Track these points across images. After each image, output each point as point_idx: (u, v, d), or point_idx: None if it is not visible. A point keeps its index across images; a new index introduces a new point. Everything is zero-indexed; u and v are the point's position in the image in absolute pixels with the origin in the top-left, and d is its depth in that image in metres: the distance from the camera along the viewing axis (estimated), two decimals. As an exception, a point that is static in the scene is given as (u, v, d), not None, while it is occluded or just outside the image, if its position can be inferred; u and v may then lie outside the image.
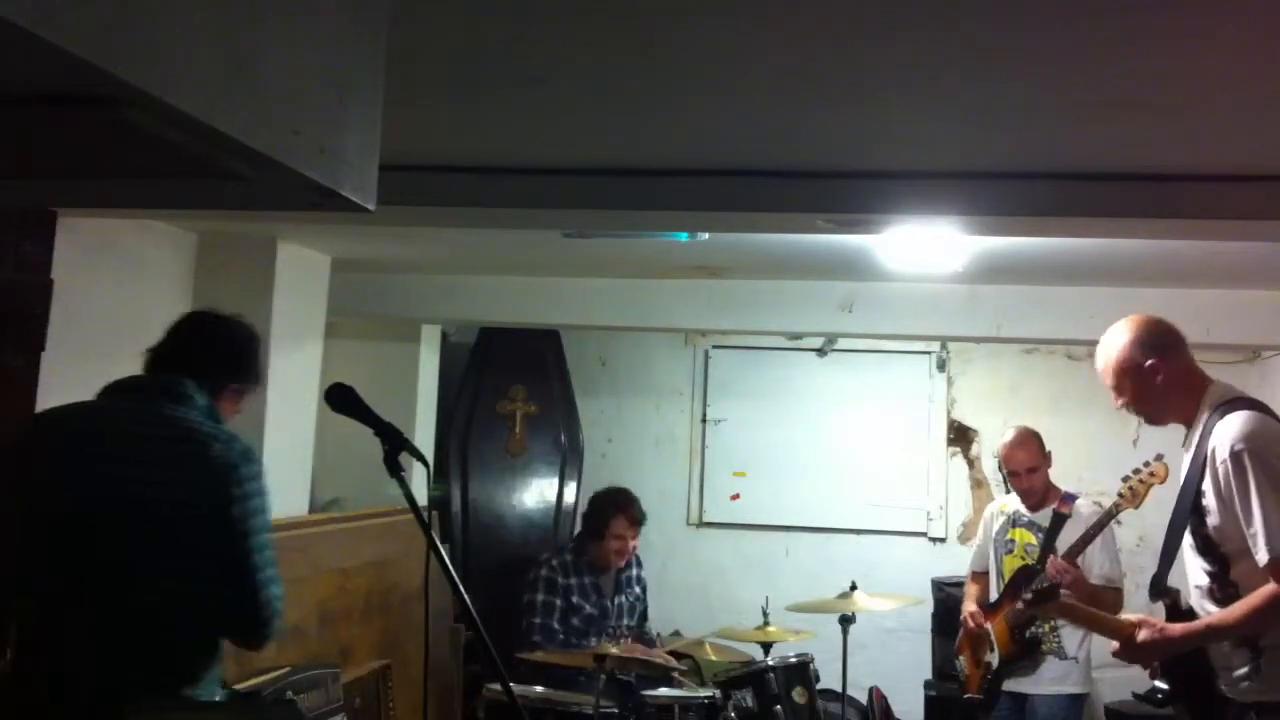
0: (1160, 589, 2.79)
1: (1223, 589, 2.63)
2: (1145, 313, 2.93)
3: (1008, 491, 5.42)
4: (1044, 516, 4.21)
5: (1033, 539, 4.22)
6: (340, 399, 2.20)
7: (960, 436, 6.30)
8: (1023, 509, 4.30)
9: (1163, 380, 2.78)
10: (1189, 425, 2.79)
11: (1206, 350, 5.57)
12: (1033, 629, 4.13)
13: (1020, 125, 2.42)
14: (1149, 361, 2.79)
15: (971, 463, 6.28)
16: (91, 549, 2.20)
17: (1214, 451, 2.62)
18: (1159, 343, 2.83)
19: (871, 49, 1.99)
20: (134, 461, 2.23)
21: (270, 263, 4.23)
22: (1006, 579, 4.24)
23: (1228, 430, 2.63)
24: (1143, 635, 2.69)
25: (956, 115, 2.36)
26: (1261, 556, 2.50)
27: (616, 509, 4.84)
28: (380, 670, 4.47)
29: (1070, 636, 4.13)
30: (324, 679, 3.72)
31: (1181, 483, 2.75)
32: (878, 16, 1.84)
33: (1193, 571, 2.75)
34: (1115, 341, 2.84)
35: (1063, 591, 3.63)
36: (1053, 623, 4.12)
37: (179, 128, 1.24)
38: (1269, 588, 2.50)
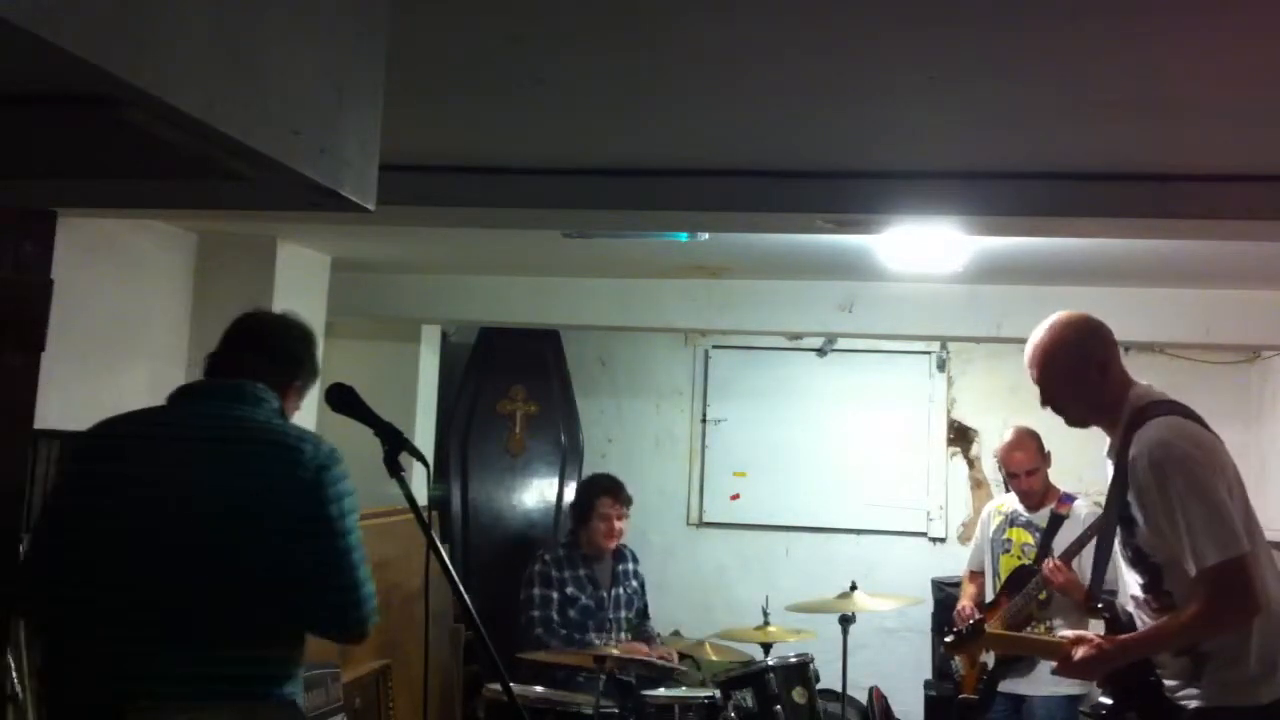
0: (1095, 602, 2.75)
1: (1158, 598, 2.58)
2: (1073, 310, 2.79)
3: (1007, 491, 5.43)
4: (1042, 517, 4.21)
5: (1029, 539, 4.22)
6: (340, 399, 2.20)
7: (960, 436, 6.30)
8: (1020, 508, 4.30)
9: (1104, 381, 2.67)
10: (1111, 429, 2.69)
11: (1206, 350, 5.61)
12: (1029, 629, 4.13)
13: (1020, 125, 2.42)
14: (1097, 358, 2.68)
15: (971, 463, 6.28)
16: (178, 556, 2.18)
17: (1134, 461, 2.52)
18: (1105, 340, 2.72)
19: (872, 49, 1.99)
20: (221, 467, 2.22)
21: (270, 263, 4.23)
22: (1003, 578, 4.24)
23: (1147, 438, 2.52)
24: (1080, 652, 2.63)
25: (956, 115, 2.36)
26: (1191, 568, 2.43)
27: (600, 489, 4.90)
28: (380, 670, 4.47)
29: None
30: (324, 679, 3.72)
31: (1106, 493, 2.68)
32: (877, 17, 1.84)
33: (1128, 582, 2.70)
34: (1060, 337, 2.70)
35: (988, 626, 3.64)
36: (1049, 623, 4.12)
37: (179, 128, 1.24)
38: (1199, 598, 2.43)
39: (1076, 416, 2.74)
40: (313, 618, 2.31)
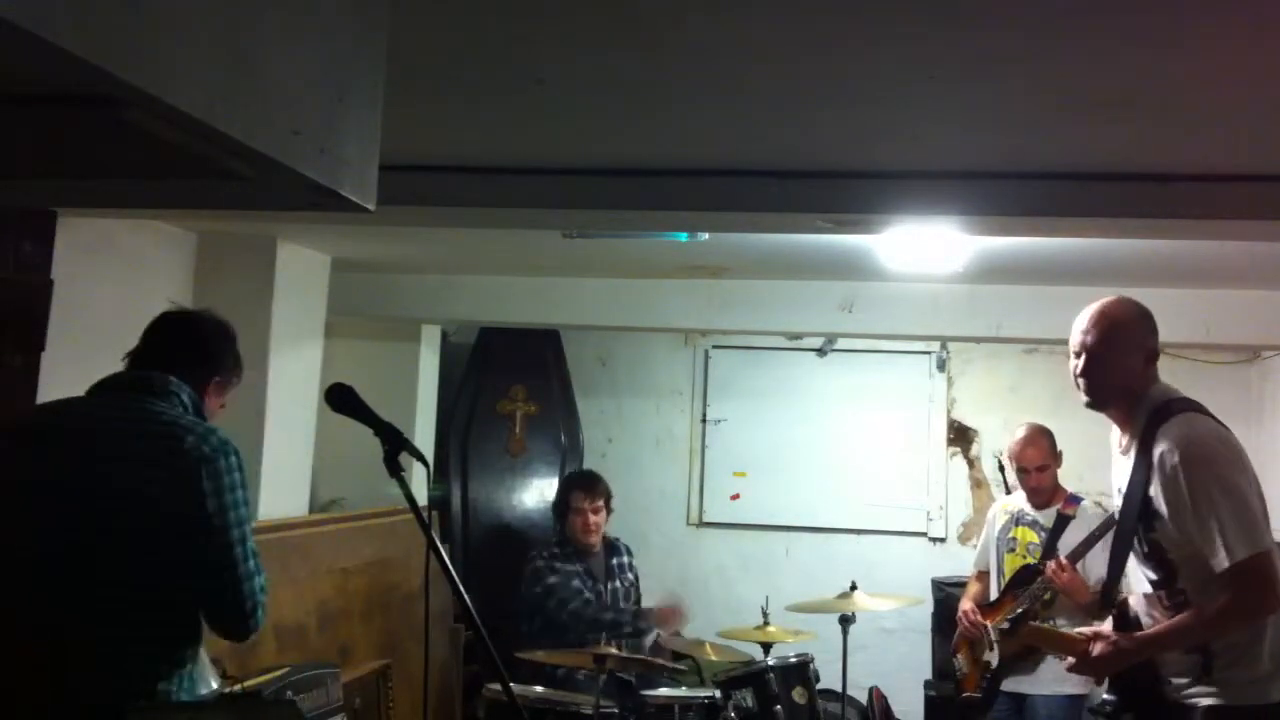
0: (1111, 598, 2.75)
1: (1171, 596, 2.59)
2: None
3: (1008, 492, 5.42)
4: (1048, 516, 4.20)
5: (1035, 538, 4.22)
6: (340, 399, 2.20)
7: (960, 436, 6.29)
8: (1027, 507, 4.30)
9: (1143, 369, 2.69)
10: (1126, 420, 2.70)
11: (1206, 350, 5.61)
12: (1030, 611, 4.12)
13: (1020, 125, 2.42)
14: (1149, 345, 2.71)
15: (971, 463, 6.27)
16: (75, 546, 2.19)
17: (1162, 456, 2.55)
18: (1155, 333, 2.75)
19: (871, 49, 1.99)
20: (116, 458, 2.24)
21: (270, 263, 4.23)
22: (1008, 577, 4.24)
23: (1176, 434, 2.55)
24: (1097, 649, 2.65)
25: (956, 115, 2.36)
26: (1221, 562, 2.44)
27: (572, 484, 4.96)
28: (380, 670, 4.47)
29: None
30: (324, 679, 3.72)
31: (1125, 488, 2.68)
32: (877, 17, 1.84)
33: (1138, 579, 2.71)
34: (1126, 311, 2.72)
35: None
36: (1052, 622, 4.11)
37: (179, 128, 1.24)
38: (1227, 593, 2.46)
39: (1106, 395, 2.73)
40: (205, 612, 2.30)
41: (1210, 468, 2.52)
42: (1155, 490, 2.57)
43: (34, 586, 2.21)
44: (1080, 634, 2.77)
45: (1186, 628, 2.54)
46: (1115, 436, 2.79)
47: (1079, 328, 2.74)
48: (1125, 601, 2.77)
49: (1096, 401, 2.75)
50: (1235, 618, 2.49)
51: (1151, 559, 2.63)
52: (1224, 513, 2.47)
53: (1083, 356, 2.71)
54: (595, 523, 4.86)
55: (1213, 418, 2.65)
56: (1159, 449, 2.56)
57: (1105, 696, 2.73)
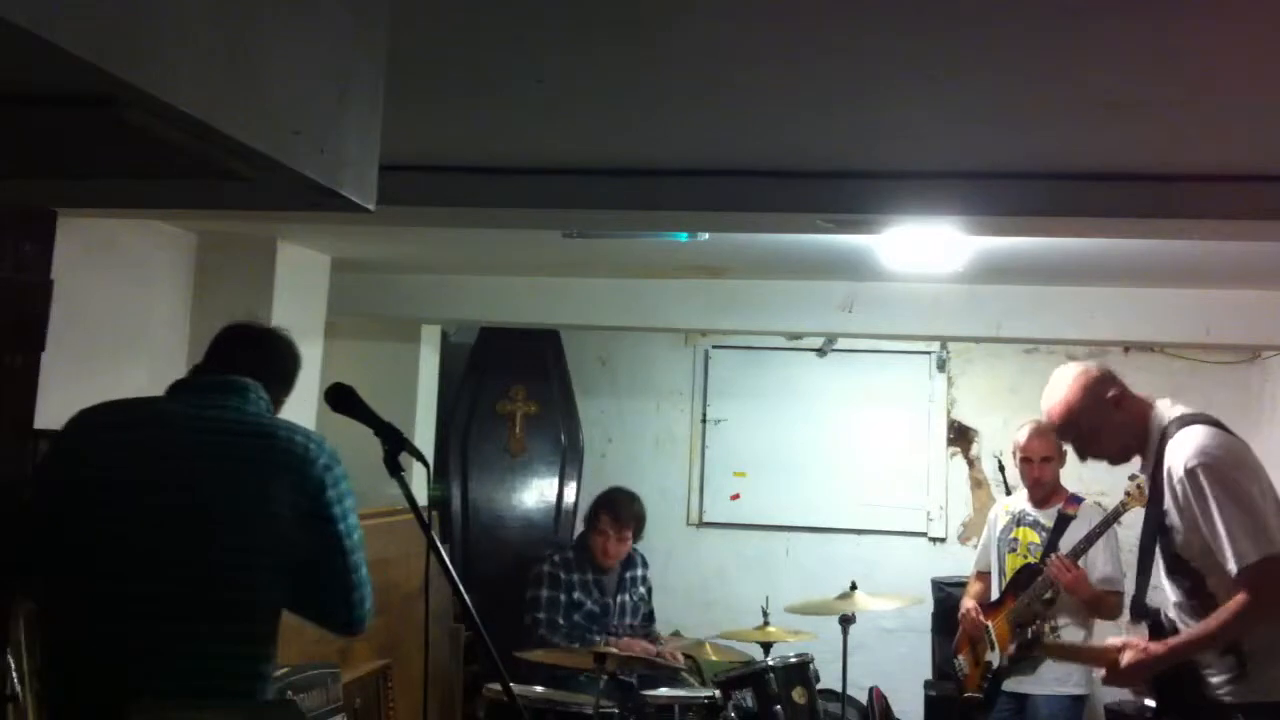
0: (1141, 609, 2.82)
1: (1201, 602, 2.67)
2: (1065, 365, 3.02)
3: (1008, 492, 5.42)
4: (1049, 516, 4.21)
5: (1036, 538, 4.22)
6: (340, 399, 2.20)
7: (960, 436, 6.29)
8: (1028, 507, 4.30)
9: (1123, 414, 2.84)
10: (1144, 452, 2.83)
11: (1206, 350, 5.61)
12: (1034, 628, 4.12)
13: (1020, 125, 2.42)
14: (1110, 397, 2.84)
15: (971, 463, 6.27)
16: (175, 544, 2.17)
17: (1170, 471, 2.67)
18: (1108, 379, 2.89)
19: (871, 49, 1.99)
20: (226, 460, 2.22)
21: (270, 263, 4.23)
22: (1009, 577, 4.24)
23: (1181, 448, 2.67)
24: (1127, 657, 2.72)
25: (956, 115, 2.36)
26: (1231, 567, 2.54)
27: (603, 504, 4.92)
28: (380, 670, 4.47)
29: (1071, 636, 4.12)
30: (324, 679, 3.72)
31: (1146, 508, 2.81)
32: (877, 16, 1.84)
33: (1168, 590, 2.79)
34: (1070, 395, 2.88)
35: (1046, 639, 3.74)
36: (1053, 622, 4.12)
37: (179, 128, 1.24)
38: (1240, 596, 2.54)
39: (1117, 455, 2.89)
40: (311, 610, 2.35)
41: (1214, 477, 2.60)
42: (1168, 505, 2.67)
43: (141, 578, 2.17)
44: (1109, 645, 2.84)
45: (1209, 632, 2.62)
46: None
47: (1049, 428, 2.97)
48: (1158, 610, 2.84)
49: (1115, 462, 2.92)
50: (1252, 617, 2.56)
51: (1176, 571, 2.72)
52: (1230, 519, 2.55)
53: (1070, 449, 2.90)
54: (618, 550, 4.86)
55: (1221, 428, 2.74)
56: (1166, 464, 2.68)
57: (1146, 702, 2.79)
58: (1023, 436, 4.30)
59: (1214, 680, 2.65)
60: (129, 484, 2.21)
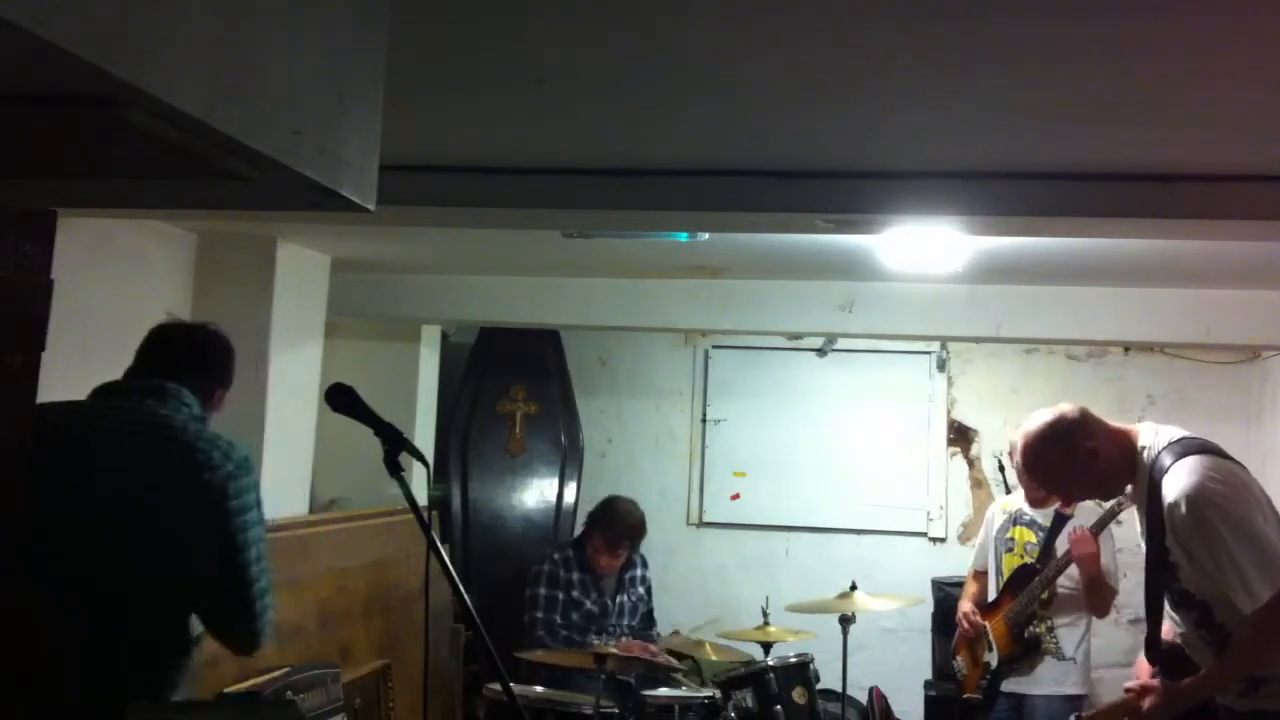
0: (1157, 650, 2.76)
1: (1212, 632, 2.62)
2: (1036, 411, 2.88)
3: (1008, 492, 5.42)
4: (1045, 515, 4.21)
5: (1033, 538, 4.22)
6: (340, 399, 2.20)
7: (960, 436, 6.30)
8: (1025, 507, 4.30)
9: (1102, 459, 2.73)
10: (1133, 486, 2.75)
11: (1206, 350, 5.61)
12: (1031, 628, 4.13)
13: (1020, 125, 2.42)
14: (1084, 447, 2.73)
15: (971, 463, 6.28)
16: (81, 550, 2.18)
17: (1171, 509, 2.56)
18: (1081, 424, 2.77)
19: (871, 49, 1.99)
20: (126, 465, 2.23)
21: (270, 263, 4.23)
22: (1006, 577, 4.24)
23: (1178, 482, 2.56)
24: (1149, 701, 2.68)
25: (956, 115, 2.36)
26: (1247, 605, 2.47)
27: (596, 523, 4.91)
28: (380, 670, 4.47)
29: (1068, 637, 4.12)
30: (324, 679, 3.72)
31: (1145, 540, 2.71)
32: (878, 16, 1.84)
33: (1177, 623, 2.74)
34: (1040, 451, 2.79)
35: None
36: (1050, 623, 4.12)
37: (179, 128, 1.24)
38: (1260, 635, 2.49)
39: (1100, 495, 2.86)
40: (212, 620, 2.31)
41: (1216, 511, 2.52)
42: (1170, 542, 2.60)
43: (38, 587, 2.19)
44: (1128, 689, 2.77)
45: (1228, 670, 2.58)
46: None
47: (1027, 479, 2.86)
48: (1171, 647, 2.79)
49: (1106, 498, 2.84)
50: (1267, 653, 2.53)
51: (1183, 605, 2.66)
52: (1240, 555, 2.48)
53: (1053, 494, 2.80)
54: (611, 564, 4.87)
55: (1214, 452, 2.64)
56: (1167, 500, 2.58)
57: None
58: (1016, 441, 4.29)
59: (1221, 700, 2.64)
60: (39, 484, 2.21)
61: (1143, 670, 2.81)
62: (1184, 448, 2.64)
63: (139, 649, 2.23)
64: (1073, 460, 2.73)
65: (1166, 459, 2.62)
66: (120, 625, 2.20)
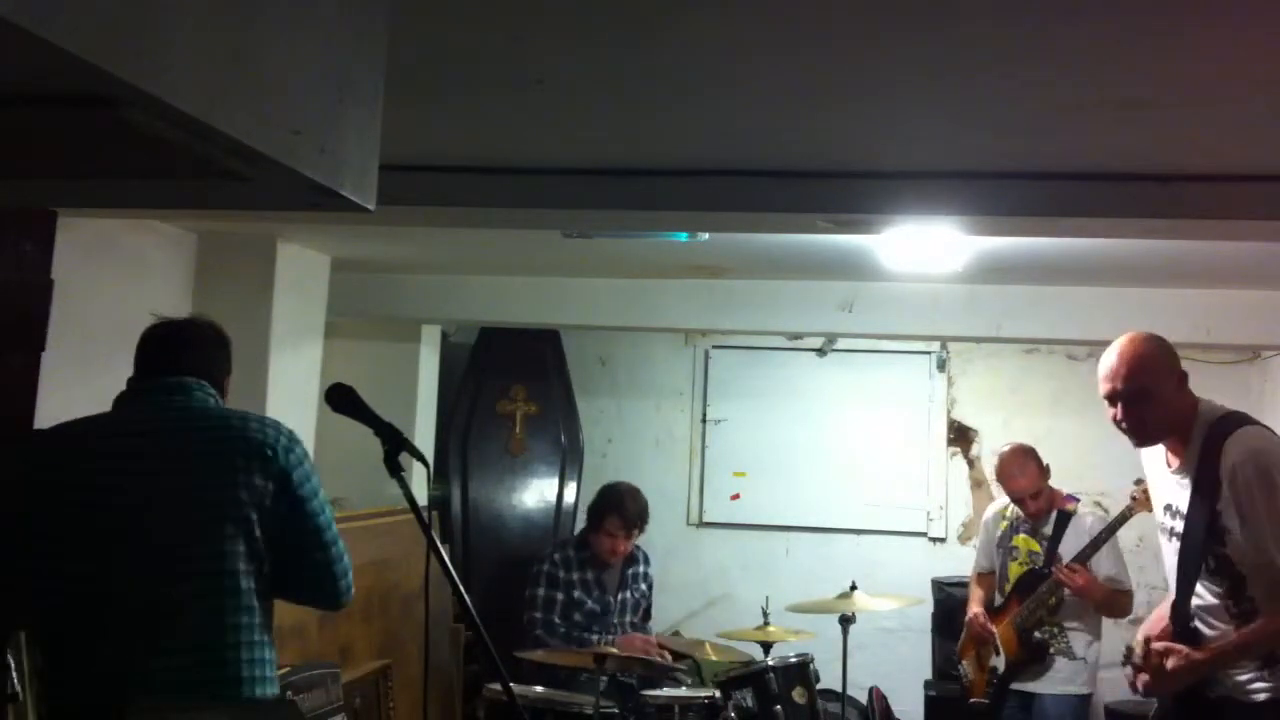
0: (1185, 615, 2.73)
1: (1239, 604, 2.63)
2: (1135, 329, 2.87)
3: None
4: (1046, 522, 4.18)
5: (1036, 546, 4.18)
6: (340, 399, 2.20)
7: (960, 436, 6.30)
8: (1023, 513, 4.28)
9: (1181, 395, 2.73)
10: (1179, 445, 2.74)
11: (1206, 350, 5.61)
12: (1040, 632, 4.10)
13: (1020, 125, 2.42)
14: (1178, 371, 2.74)
15: (971, 463, 6.28)
16: (158, 551, 2.18)
17: (1234, 470, 2.58)
18: (1177, 357, 2.79)
19: (871, 49, 1.99)
20: (191, 457, 2.24)
21: (270, 263, 4.23)
22: (1012, 583, 4.22)
23: (1246, 448, 2.60)
24: (1172, 662, 2.67)
25: (956, 115, 2.36)
26: None
27: (610, 506, 4.84)
28: (380, 670, 4.47)
29: (1079, 637, 4.10)
30: (324, 679, 3.72)
31: (1187, 509, 2.69)
32: (877, 16, 1.84)
33: (1201, 590, 2.72)
34: (1147, 349, 2.75)
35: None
36: (1059, 627, 4.10)
37: (179, 128, 1.24)
38: None
39: (1154, 433, 2.78)
40: (299, 592, 2.37)
41: None
42: (1224, 505, 2.60)
43: (140, 591, 2.18)
44: (1153, 650, 2.75)
45: (1263, 636, 2.58)
46: (1153, 455, 2.84)
47: (1107, 375, 2.75)
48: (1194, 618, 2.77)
49: (1147, 441, 2.81)
50: None
51: (1218, 573, 2.65)
52: None
53: (1119, 403, 2.74)
54: (625, 549, 4.84)
55: (1267, 427, 2.70)
56: (1229, 463, 2.59)
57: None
58: (1004, 476, 4.23)
59: (1240, 678, 2.62)
60: (102, 489, 2.22)
61: (1157, 627, 2.79)
62: (1243, 418, 2.69)
63: (227, 641, 2.21)
64: (1169, 377, 2.72)
65: (1227, 424, 2.65)
66: (205, 619, 2.19)
